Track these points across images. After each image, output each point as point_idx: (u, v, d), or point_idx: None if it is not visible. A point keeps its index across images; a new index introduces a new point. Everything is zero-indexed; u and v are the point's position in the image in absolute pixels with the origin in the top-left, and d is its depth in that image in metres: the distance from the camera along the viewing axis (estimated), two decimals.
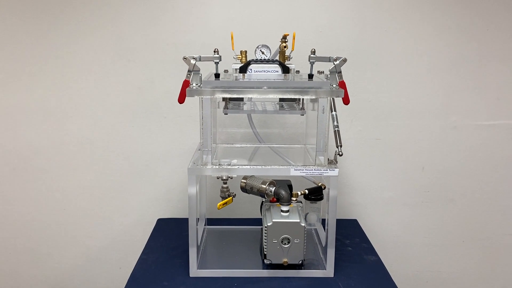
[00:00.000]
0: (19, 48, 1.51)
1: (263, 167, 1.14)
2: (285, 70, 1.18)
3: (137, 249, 1.38)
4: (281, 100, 1.32)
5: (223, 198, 1.24)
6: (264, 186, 1.21)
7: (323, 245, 1.24)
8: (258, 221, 1.30)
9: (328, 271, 1.19)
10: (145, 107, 1.56)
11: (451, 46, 1.52)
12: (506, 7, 1.49)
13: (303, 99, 1.25)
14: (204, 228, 1.42)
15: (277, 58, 1.22)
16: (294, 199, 1.19)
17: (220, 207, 1.22)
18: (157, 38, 1.50)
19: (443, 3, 1.49)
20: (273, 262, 1.18)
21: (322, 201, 1.29)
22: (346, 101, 1.11)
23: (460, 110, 1.57)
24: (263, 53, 1.20)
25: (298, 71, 1.27)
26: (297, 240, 1.16)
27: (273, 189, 1.21)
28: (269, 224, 1.15)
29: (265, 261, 1.19)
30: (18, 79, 1.54)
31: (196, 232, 1.17)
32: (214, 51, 1.19)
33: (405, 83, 1.55)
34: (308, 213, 1.33)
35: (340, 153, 1.11)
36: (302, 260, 1.18)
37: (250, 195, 1.25)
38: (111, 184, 1.63)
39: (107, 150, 1.60)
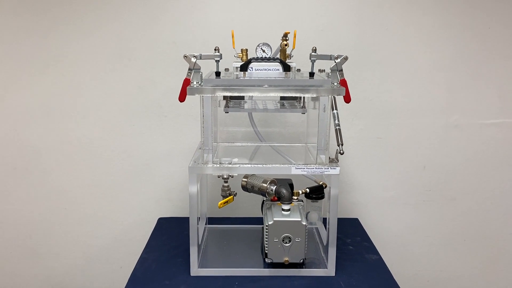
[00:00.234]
0: (19, 48, 1.51)
1: (264, 165, 1.14)
2: (286, 68, 1.17)
3: (138, 248, 1.38)
4: (282, 98, 1.31)
5: (224, 197, 1.24)
6: (265, 185, 1.21)
7: (324, 244, 1.24)
8: (259, 220, 1.30)
9: (329, 270, 1.19)
10: (146, 106, 1.56)
11: (452, 45, 1.52)
12: (508, 5, 1.49)
13: (304, 97, 1.25)
14: (205, 227, 1.42)
15: (278, 56, 1.21)
16: (295, 198, 1.19)
17: (221, 206, 1.22)
18: (157, 37, 1.50)
19: (444, 1, 1.48)
20: (274, 261, 1.18)
21: (323, 200, 1.29)
22: (347, 99, 1.10)
23: (462, 109, 1.57)
24: (264, 51, 1.20)
25: (299, 70, 1.27)
26: (298, 239, 1.16)
27: (274, 188, 1.20)
28: (270, 223, 1.15)
29: (266, 260, 1.19)
30: (18, 79, 1.54)
31: (197, 231, 1.16)
32: (215, 49, 1.18)
33: (406, 81, 1.54)
34: (309, 212, 1.33)
35: (341, 151, 1.11)
36: (303, 259, 1.18)
37: (251, 194, 1.25)
38: (112, 183, 1.63)
39: (108, 149, 1.60)
